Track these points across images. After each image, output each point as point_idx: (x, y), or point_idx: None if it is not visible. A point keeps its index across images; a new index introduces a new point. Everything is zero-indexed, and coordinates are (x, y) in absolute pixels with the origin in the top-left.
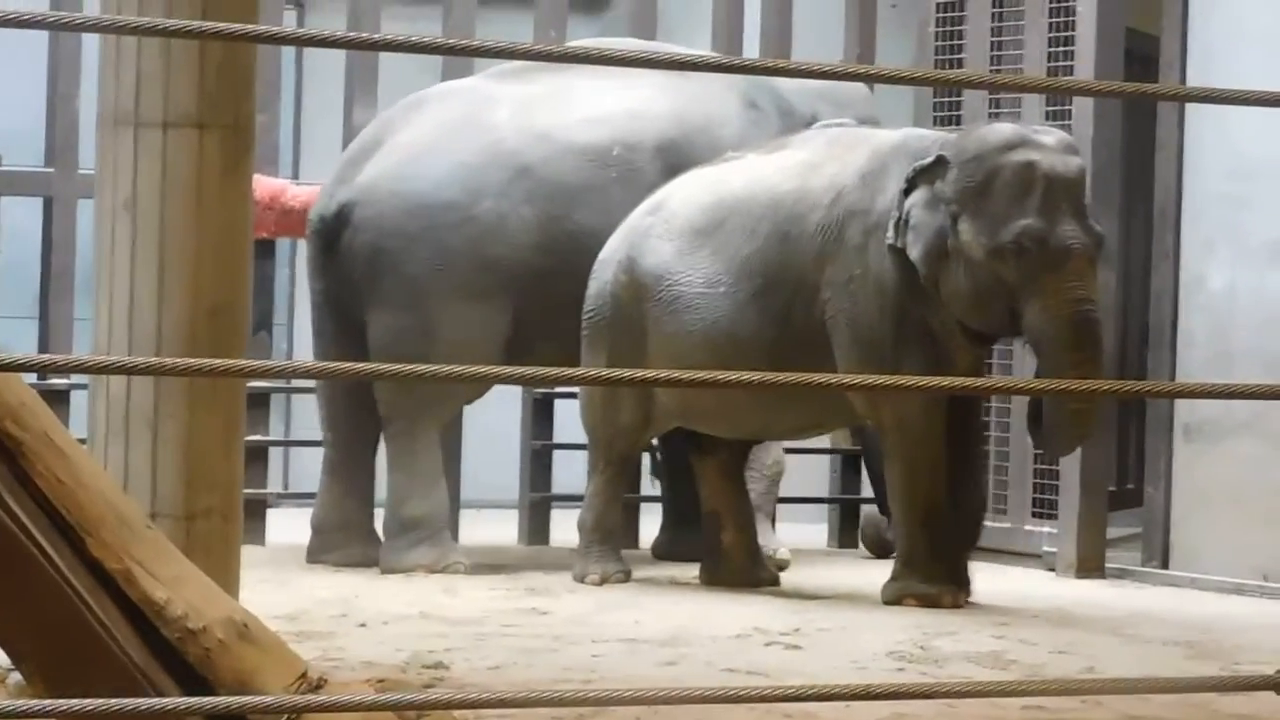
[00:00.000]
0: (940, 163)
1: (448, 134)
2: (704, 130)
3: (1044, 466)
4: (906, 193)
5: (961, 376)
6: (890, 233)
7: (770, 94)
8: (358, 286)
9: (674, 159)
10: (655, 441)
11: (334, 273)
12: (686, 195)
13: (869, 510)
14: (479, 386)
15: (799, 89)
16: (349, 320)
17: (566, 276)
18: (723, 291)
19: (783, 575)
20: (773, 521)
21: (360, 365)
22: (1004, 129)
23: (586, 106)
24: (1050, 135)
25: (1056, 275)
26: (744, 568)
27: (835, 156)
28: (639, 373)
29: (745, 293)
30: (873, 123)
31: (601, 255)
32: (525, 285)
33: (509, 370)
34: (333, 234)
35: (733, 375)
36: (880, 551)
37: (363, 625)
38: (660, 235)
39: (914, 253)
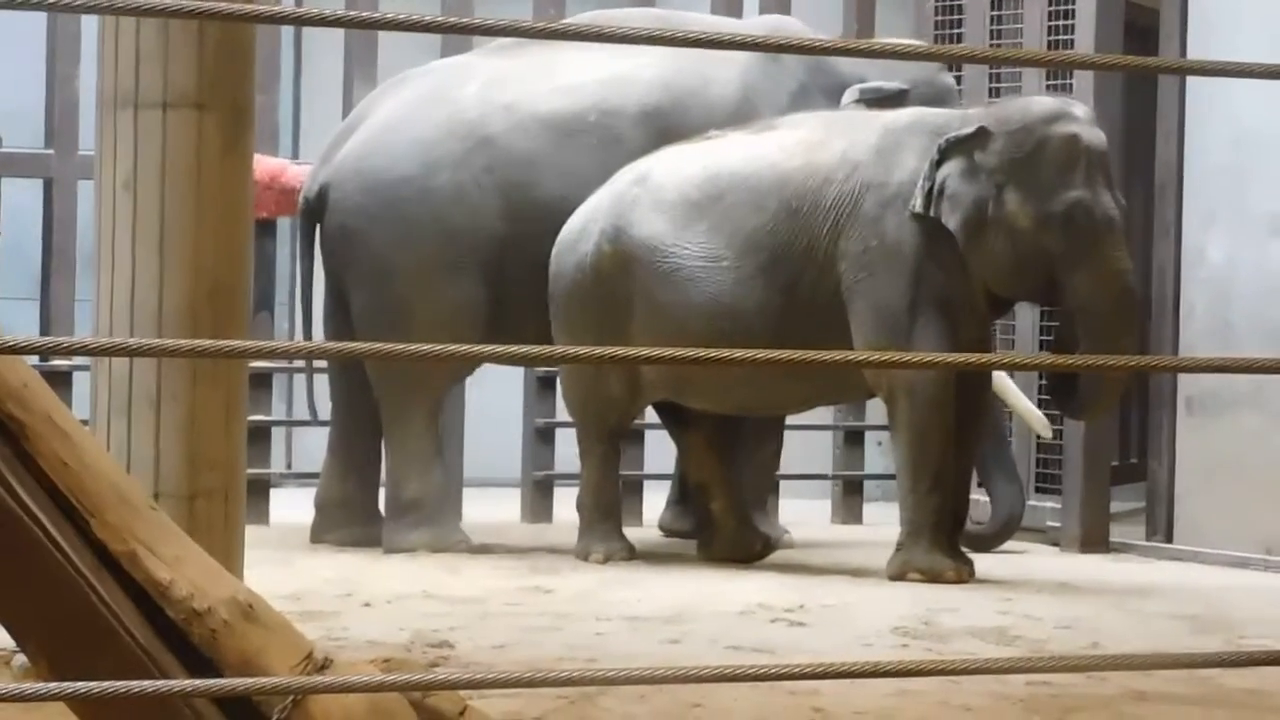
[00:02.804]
0: (981, 133)
1: (413, 110)
2: (697, 93)
3: (1047, 441)
4: (939, 163)
5: (968, 349)
6: (918, 202)
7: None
8: (337, 267)
9: (661, 124)
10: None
11: (321, 254)
12: (673, 169)
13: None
14: (468, 364)
15: None
16: (339, 301)
17: (537, 247)
18: (726, 265)
19: (786, 551)
20: (773, 512)
21: (360, 345)
22: (1045, 101)
23: (564, 76)
24: (1080, 107)
25: (1101, 246)
26: (736, 534)
27: (841, 134)
28: (650, 351)
29: (750, 266)
30: (926, 85)
31: (572, 227)
32: (495, 257)
33: (509, 349)
34: (316, 215)
35: (734, 353)
36: (970, 545)
37: (367, 605)
38: (649, 206)
39: (952, 222)
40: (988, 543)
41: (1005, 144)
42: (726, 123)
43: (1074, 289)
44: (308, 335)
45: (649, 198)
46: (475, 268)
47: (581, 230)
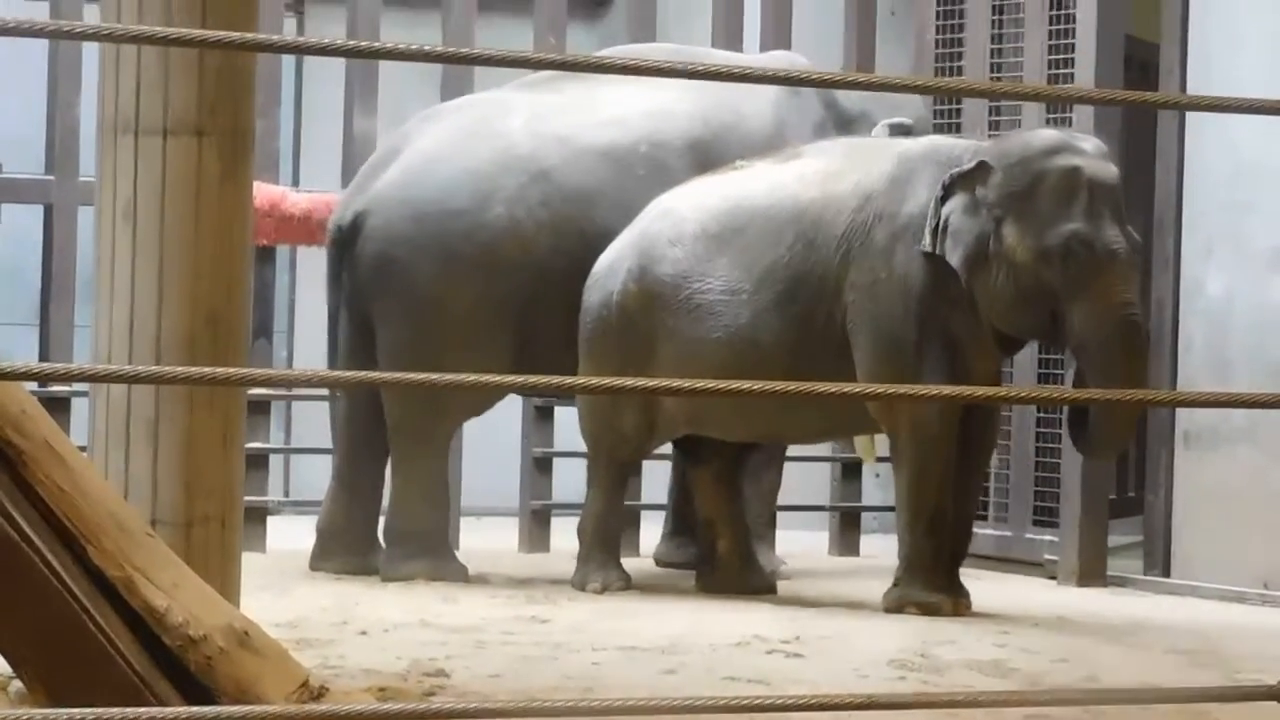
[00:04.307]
0: (982, 168)
1: (459, 142)
2: (734, 127)
3: (1045, 474)
4: (944, 199)
5: (980, 385)
6: (926, 239)
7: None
8: (367, 296)
9: (703, 156)
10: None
11: (349, 283)
12: (696, 203)
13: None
14: (487, 399)
15: None
16: (364, 330)
17: (579, 281)
18: (745, 298)
19: (782, 583)
20: (770, 542)
21: (362, 374)
22: (1046, 134)
23: (609, 109)
24: (1088, 141)
25: (1102, 279)
26: (739, 574)
27: (858, 164)
28: (665, 382)
29: (767, 298)
30: (925, 122)
31: (602, 264)
32: (537, 293)
33: (519, 379)
34: (348, 243)
35: (750, 385)
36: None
37: (363, 633)
38: (671, 241)
39: (954, 258)
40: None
41: (1004, 178)
42: (760, 155)
43: (1074, 325)
44: (334, 368)
45: (671, 233)
46: (517, 305)
47: (609, 268)
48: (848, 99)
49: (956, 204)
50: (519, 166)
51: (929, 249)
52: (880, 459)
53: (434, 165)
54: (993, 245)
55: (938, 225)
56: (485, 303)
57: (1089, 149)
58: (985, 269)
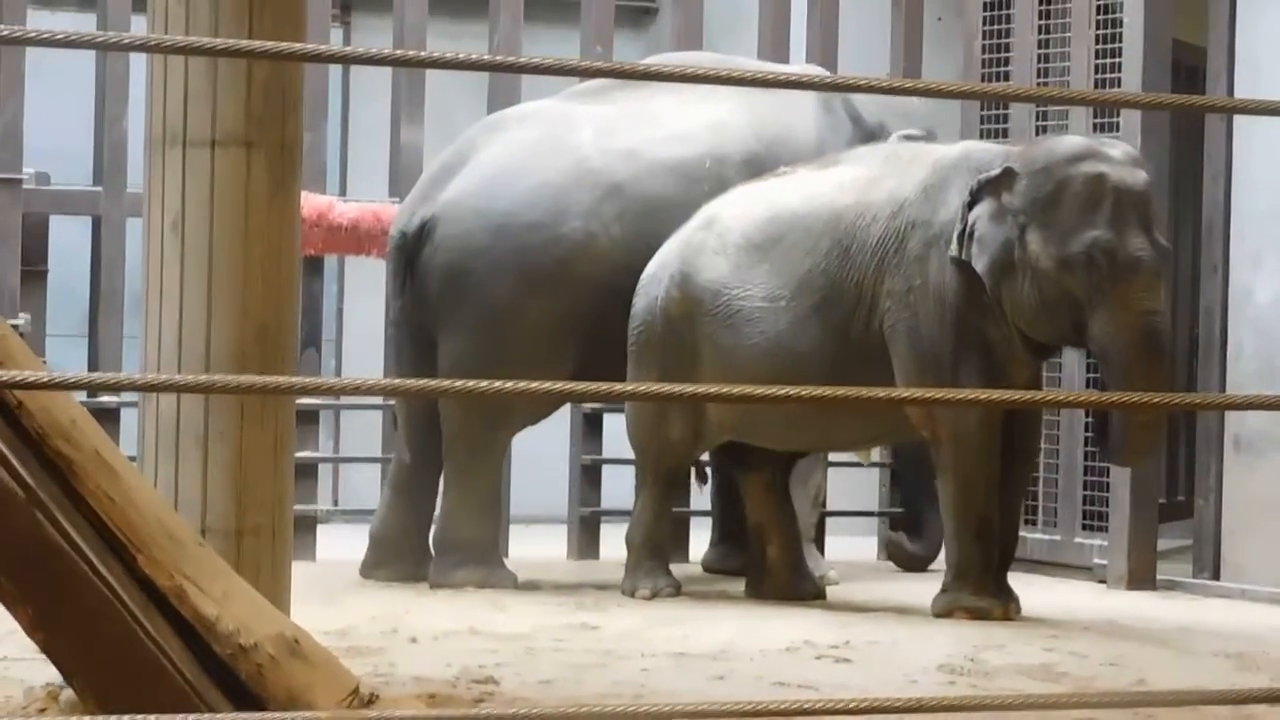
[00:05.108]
0: (1008, 174)
1: (530, 154)
2: (783, 141)
3: (1094, 479)
4: (971, 205)
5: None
6: (954, 245)
7: (841, 100)
8: (433, 304)
9: (758, 169)
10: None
11: (412, 290)
12: (739, 211)
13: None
14: (543, 410)
15: (865, 98)
16: (425, 338)
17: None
18: (783, 306)
19: (831, 588)
20: (818, 544)
21: (410, 382)
22: (1073, 141)
23: (672, 123)
24: (1117, 148)
25: (1125, 287)
26: (788, 582)
27: (894, 171)
28: (701, 388)
29: (805, 307)
30: (932, 134)
31: (648, 271)
32: (603, 306)
33: (563, 386)
34: (413, 251)
35: (789, 390)
36: (907, 565)
37: (413, 641)
38: (715, 250)
39: (980, 265)
40: (924, 563)
41: (1028, 184)
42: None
43: (1095, 332)
44: (392, 375)
45: (715, 241)
46: (583, 318)
47: (654, 275)
48: (868, 113)
49: (983, 210)
50: (591, 180)
51: (956, 254)
52: (875, 463)
53: (506, 177)
54: (1018, 252)
55: (965, 231)
56: (554, 316)
57: (1116, 155)
58: (1011, 276)
